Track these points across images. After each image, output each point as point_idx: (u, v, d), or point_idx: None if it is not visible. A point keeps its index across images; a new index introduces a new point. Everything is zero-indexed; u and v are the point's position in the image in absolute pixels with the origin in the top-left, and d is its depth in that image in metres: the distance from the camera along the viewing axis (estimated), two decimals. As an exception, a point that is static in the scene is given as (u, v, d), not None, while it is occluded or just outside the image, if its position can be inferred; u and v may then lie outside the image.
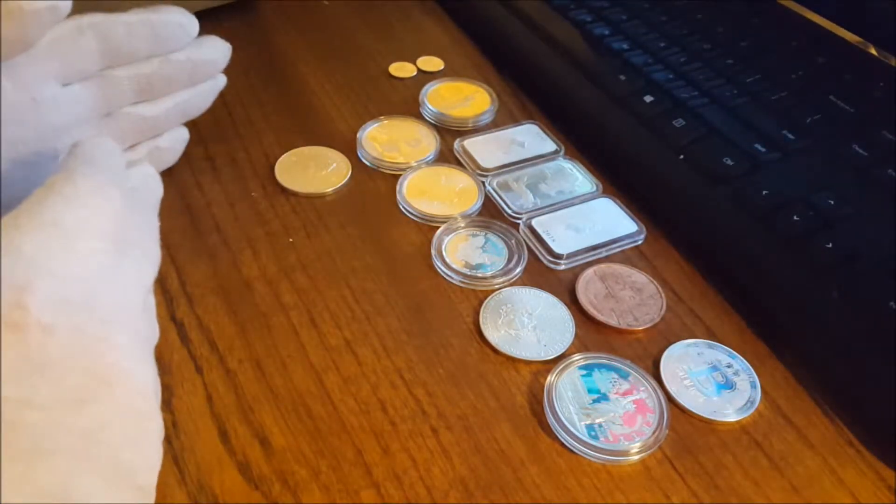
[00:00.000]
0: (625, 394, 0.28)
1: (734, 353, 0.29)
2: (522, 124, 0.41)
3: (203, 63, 0.34)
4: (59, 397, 0.17)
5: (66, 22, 0.28)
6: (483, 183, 0.37)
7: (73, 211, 0.20)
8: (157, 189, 0.26)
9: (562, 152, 0.39)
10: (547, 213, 0.35)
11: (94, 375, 0.18)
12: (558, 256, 0.33)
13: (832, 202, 0.32)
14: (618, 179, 0.38)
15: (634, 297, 0.31)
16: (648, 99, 0.39)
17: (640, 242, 0.34)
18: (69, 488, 0.16)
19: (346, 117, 0.41)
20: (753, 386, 0.28)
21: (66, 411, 0.17)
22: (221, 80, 0.36)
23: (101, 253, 0.20)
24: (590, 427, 0.26)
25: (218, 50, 0.34)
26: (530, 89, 0.44)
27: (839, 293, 0.29)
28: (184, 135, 0.36)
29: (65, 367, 0.17)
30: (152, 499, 0.19)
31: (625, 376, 0.28)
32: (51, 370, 0.17)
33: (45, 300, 0.17)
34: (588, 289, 0.32)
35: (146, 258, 0.23)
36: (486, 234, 0.34)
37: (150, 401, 0.19)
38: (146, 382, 0.19)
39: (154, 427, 0.19)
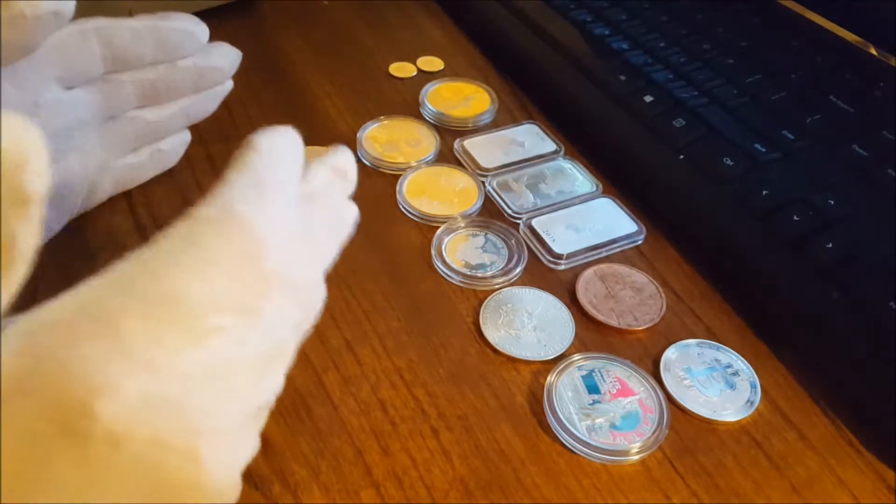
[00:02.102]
0: (625, 394, 0.28)
1: (734, 353, 0.29)
2: (522, 124, 0.41)
3: (210, 70, 0.33)
4: None
5: (69, 25, 0.28)
6: (483, 183, 0.37)
7: (203, 279, 0.15)
8: (347, 226, 0.21)
9: (562, 152, 0.39)
10: (547, 213, 0.35)
11: (159, 495, 0.15)
12: (558, 256, 0.33)
13: (832, 202, 0.32)
14: (618, 179, 0.38)
15: (634, 297, 0.31)
16: (648, 99, 0.39)
17: (640, 242, 0.34)
18: None
19: (346, 117, 0.41)
20: (753, 386, 0.28)
21: None
22: (228, 86, 0.35)
23: (225, 334, 0.16)
24: (590, 427, 0.26)
25: (226, 57, 0.34)
26: (530, 89, 0.44)
27: (839, 293, 0.29)
28: (185, 137, 0.36)
29: (126, 482, 0.15)
30: None
31: (625, 376, 0.28)
32: (107, 485, 0.14)
33: (125, 406, 0.14)
34: (588, 289, 0.32)
35: (293, 336, 0.18)
36: (485, 234, 0.34)
37: None
38: None
39: None
